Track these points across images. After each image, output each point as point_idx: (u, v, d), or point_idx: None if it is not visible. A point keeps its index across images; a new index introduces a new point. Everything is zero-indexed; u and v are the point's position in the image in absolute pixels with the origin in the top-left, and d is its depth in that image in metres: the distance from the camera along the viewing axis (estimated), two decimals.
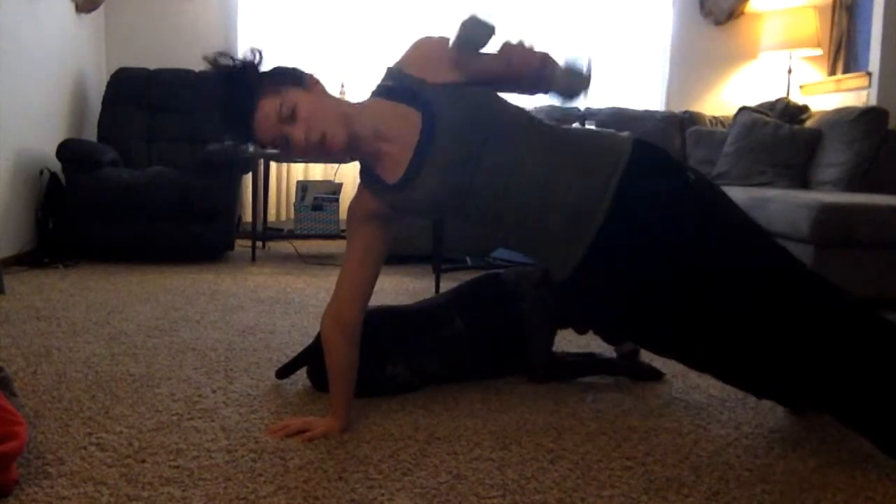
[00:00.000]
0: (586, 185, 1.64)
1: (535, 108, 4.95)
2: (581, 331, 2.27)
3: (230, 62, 1.74)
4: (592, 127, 3.12)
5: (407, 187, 1.68)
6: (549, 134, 1.74)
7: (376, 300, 1.97)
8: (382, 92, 1.73)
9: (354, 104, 1.77)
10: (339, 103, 1.73)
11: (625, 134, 1.76)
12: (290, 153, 1.69)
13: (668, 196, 1.65)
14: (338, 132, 1.64)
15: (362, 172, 1.79)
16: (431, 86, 1.67)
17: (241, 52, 1.79)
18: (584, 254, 1.66)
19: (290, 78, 1.72)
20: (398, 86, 1.71)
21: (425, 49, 1.71)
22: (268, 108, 1.67)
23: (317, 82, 1.72)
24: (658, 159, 1.72)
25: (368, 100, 1.75)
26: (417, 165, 1.66)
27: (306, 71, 1.75)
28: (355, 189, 1.83)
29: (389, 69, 1.75)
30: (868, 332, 1.58)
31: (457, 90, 1.67)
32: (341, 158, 1.77)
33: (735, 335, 1.62)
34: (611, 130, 1.73)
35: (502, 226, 1.74)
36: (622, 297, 1.71)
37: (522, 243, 1.79)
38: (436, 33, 1.73)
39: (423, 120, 1.66)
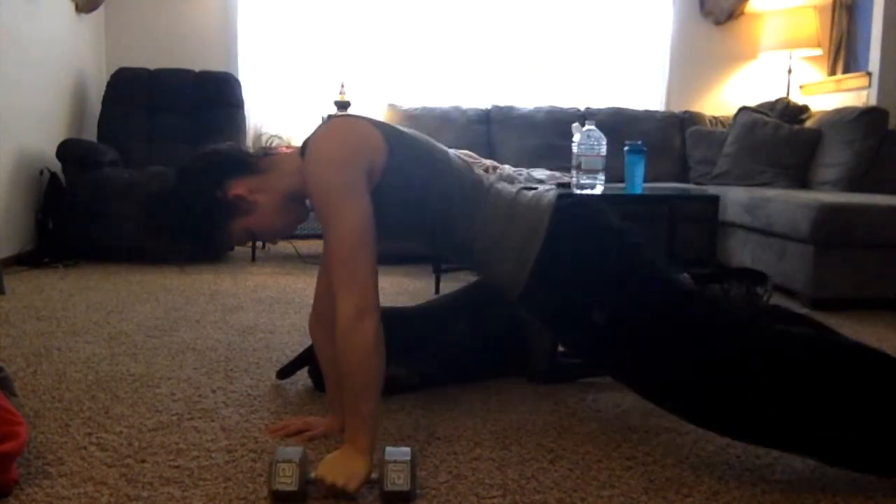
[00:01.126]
0: (514, 250, 1.66)
1: (535, 107, 4.96)
2: None
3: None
4: (592, 127, 3.11)
5: None
6: (477, 201, 1.71)
7: None
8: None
9: (286, 174, 1.66)
10: (275, 189, 1.65)
11: (549, 196, 1.73)
12: None
13: (586, 257, 1.66)
14: (299, 217, 1.70)
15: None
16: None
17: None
18: (524, 287, 1.66)
19: (224, 217, 1.63)
20: None
21: (311, 171, 1.59)
22: (226, 241, 1.70)
23: (242, 195, 1.61)
24: (577, 221, 1.71)
25: (294, 157, 1.67)
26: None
27: (223, 186, 1.62)
28: None
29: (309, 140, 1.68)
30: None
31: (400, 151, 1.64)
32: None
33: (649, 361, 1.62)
34: (536, 194, 1.72)
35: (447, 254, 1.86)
36: (560, 324, 1.76)
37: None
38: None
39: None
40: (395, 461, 1.41)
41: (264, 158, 1.68)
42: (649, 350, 1.59)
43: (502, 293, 1.78)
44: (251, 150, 1.74)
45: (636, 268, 1.67)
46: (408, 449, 1.45)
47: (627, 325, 1.61)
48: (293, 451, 1.43)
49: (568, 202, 1.71)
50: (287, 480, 1.38)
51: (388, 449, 1.45)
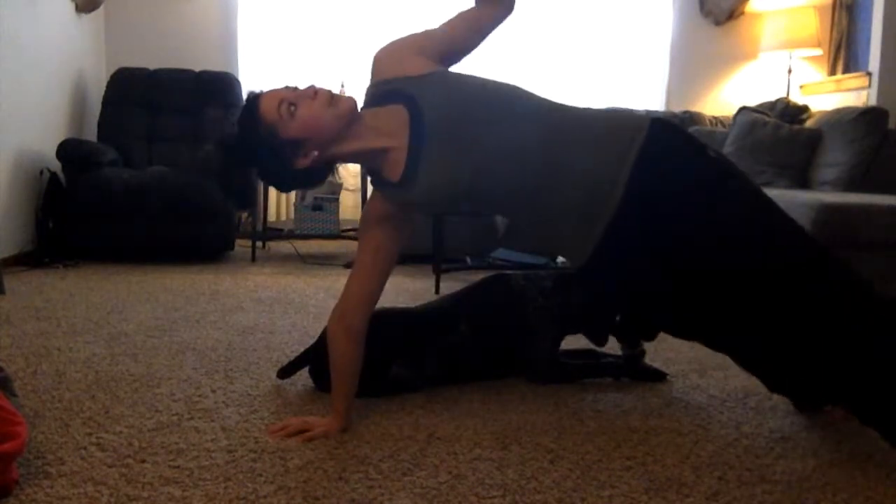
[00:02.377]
0: (602, 164, 1.64)
1: None
2: (597, 342, 2.24)
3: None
4: None
5: (409, 184, 1.68)
6: (561, 112, 1.75)
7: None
8: (367, 104, 1.77)
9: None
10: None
11: (642, 111, 1.76)
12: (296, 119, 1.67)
13: (684, 177, 1.64)
14: (342, 98, 1.69)
15: (371, 176, 1.80)
16: (412, 79, 1.70)
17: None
18: (603, 233, 1.64)
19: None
20: (379, 92, 1.74)
21: (387, 53, 1.75)
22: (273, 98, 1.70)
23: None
24: (676, 139, 1.72)
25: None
26: (414, 161, 1.67)
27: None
28: (355, 189, 1.84)
29: (367, 88, 1.78)
30: (885, 321, 1.57)
31: (438, 78, 1.70)
32: (327, 176, 1.78)
33: (750, 324, 1.62)
34: (627, 108, 1.72)
35: (516, 210, 1.77)
36: (640, 279, 1.71)
37: (537, 230, 1.80)
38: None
39: (409, 115, 1.68)
40: None
41: None
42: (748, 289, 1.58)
43: (510, 286, 1.80)
44: None
45: (733, 197, 1.67)
46: None
47: (716, 262, 1.60)
48: None
49: (663, 118, 1.74)
50: None
51: None
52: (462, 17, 1.75)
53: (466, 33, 1.74)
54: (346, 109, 1.67)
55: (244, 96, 5.12)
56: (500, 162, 1.67)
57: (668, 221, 1.63)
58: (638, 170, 1.61)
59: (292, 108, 1.64)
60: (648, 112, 4.95)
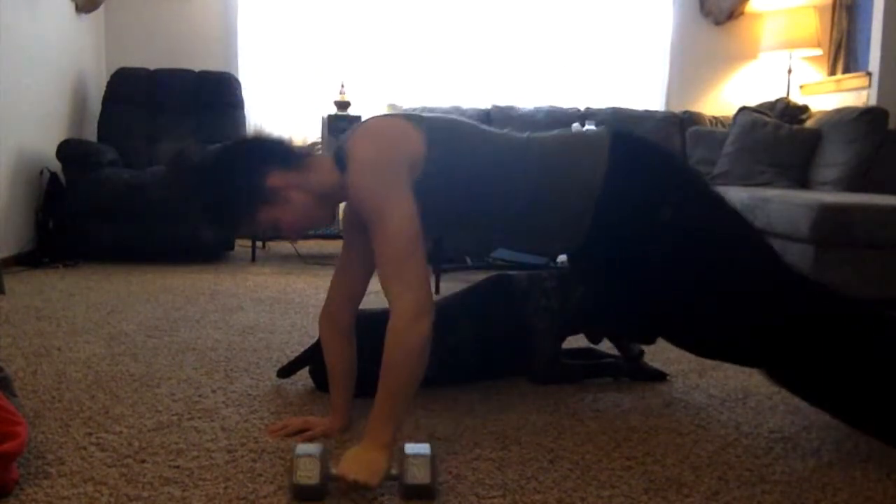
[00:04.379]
0: (572, 195, 1.67)
1: (535, 107, 4.96)
2: (594, 340, 2.25)
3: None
4: (592, 126, 3.12)
5: None
6: (523, 158, 1.71)
7: (377, 302, 1.97)
8: (342, 168, 1.66)
9: (324, 175, 1.66)
10: (310, 188, 1.65)
11: (601, 132, 1.75)
12: None
13: (649, 194, 1.67)
14: (323, 219, 1.69)
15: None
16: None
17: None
18: (580, 247, 1.70)
19: (257, 198, 1.62)
20: None
21: (353, 177, 1.58)
22: (249, 226, 1.69)
23: (279, 186, 1.62)
24: (641, 150, 1.73)
25: (331, 164, 1.67)
26: None
27: (264, 172, 1.62)
28: None
29: (345, 144, 1.64)
30: (867, 341, 1.58)
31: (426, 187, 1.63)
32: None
33: (727, 342, 1.67)
34: (587, 130, 1.73)
35: (494, 236, 1.85)
36: (618, 278, 1.75)
37: (519, 244, 1.86)
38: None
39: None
40: (415, 455, 1.42)
41: (305, 157, 1.68)
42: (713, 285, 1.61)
43: (511, 287, 1.79)
44: (297, 146, 1.74)
45: (706, 189, 1.71)
46: (427, 444, 1.46)
47: (695, 251, 1.63)
48: (314, 446, 1.45)
49: (624, 131, 1.74)
50: (308, 475, 1.39)
51: (407, 444, 1.45)
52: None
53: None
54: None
55: (244, 96, 5.11)
56: (476, 215, 1.72)
57: (635, 258, 1.66)
58: (603, 198, 1.64)
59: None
60: (649, 116, 4.97)
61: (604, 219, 1.64)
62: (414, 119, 1.65)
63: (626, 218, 1.65)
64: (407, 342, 1.48)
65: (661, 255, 1.64)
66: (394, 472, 1.44)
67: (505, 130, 1.77)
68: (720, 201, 1.70)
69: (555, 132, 1.79)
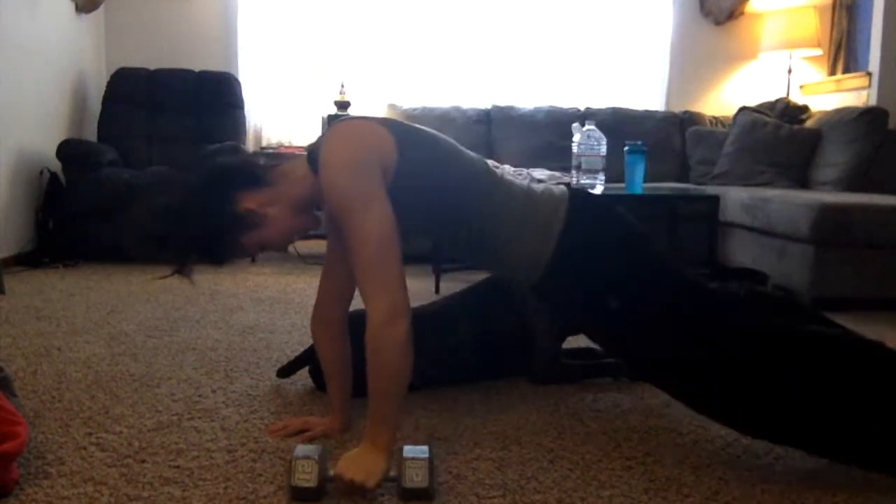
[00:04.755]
0: (529, 246, 1.67)
1: (535, 107, 4.96)
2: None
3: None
4: (592, 127, 3.13)
5: None
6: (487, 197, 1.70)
7: None
8: (314, 168, 1.64)
9: (297, 182, 1.65)
10: (285, 199, 1.64)
11: (560, 190, 1.74)
12: None
13: (604, 245, 1.68)
14: (307, 225, 1.69)
15: None
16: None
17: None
18: (542, 276, 1.67)
19: (235, 231, 1.61)
20: None
21: (325, 176, 1.56)
22: (238, 253, 1.70)
23: (253, 208, 1.60)
24: (596, 210, 1.74)
25: (304, 167, 1.65)
26: None
27: (234, 199, 1.60)
28: None
29: (320, 145, 1.63)
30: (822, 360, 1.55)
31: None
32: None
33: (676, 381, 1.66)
34: (548, 188, 1.73)
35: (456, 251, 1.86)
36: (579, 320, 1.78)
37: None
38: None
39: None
40: (413, 458, 1.42)
41: (273, 169, 1.66)
42: (664, 340, 1.60)
43: (510, 287, 1.77)
44: (259, 159, 1.72)
45: (650, 257, 1.69)
46: (426, 447, 1.46)
47: (641, 314, 1.62)
48: (312, 448, 1.45)
49: (582, 193, 1.74)
50: (306, 477, 1.39)
51: (406, 447, 1.46)
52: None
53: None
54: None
55: (244, 96, 5.11)
56: (444, 239, 1.75)
57: (591, 287, 1.66)
58: (559, 251, 1.64)
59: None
60: (649, 116, 4.97)
61: (559, 274, 1.65)
62: (386, 123, 1.62)
63: (577, 289, 1.67)
64: (385, 345, 1.48)
65: (617, 319, 1.65)
66: (392, 474, 1.44)
67: (479, 158, 1.75)
68: (664, 266, 1.69)
69: (525, 182, 1.78)
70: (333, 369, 1.80)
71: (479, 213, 1.66)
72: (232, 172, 1.64)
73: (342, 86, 4.86)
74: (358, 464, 1.44)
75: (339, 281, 1.82)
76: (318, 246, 4.92)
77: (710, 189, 4.23)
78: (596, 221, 1.70)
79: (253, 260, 4.37)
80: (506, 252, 1.69)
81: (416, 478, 1.41)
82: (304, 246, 4.89)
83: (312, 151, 1.62)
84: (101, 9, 4.99)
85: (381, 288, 1.49)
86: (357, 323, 1.85)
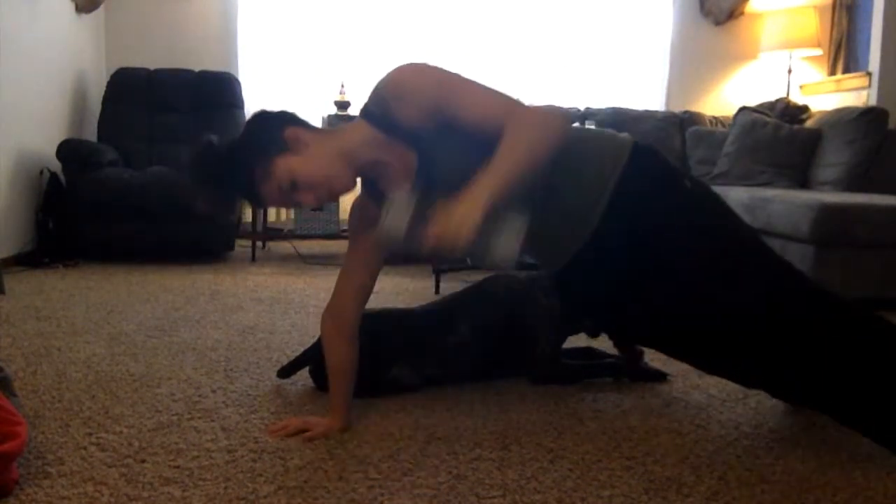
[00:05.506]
0: (582, 191, 1.65)
1: None
2: (593, 335, 2.25)
3: (211, 162, 1.70)
4: (592, 126, 3.13)
5: None
6: None
7: (376, 301, 1.97)
8: (373, 119, 1.68)
9: (348, 134, 1.71)
10: (331, 144, 1.67)
11: (625, 135, 1.76)
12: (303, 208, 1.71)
13: (661, 205, 1.66)
14: (343, 179, 1.66)
15: (364, 183, 1.79)
16: (421, 129, 1.63)
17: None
18: (577, 251, 1.66)
19: (272, 149, 1.64)
20: (389, 123, 1.65)
21: (409, 88, 1.64)
22: (267, 188, 1.65)
23: (297, 137, 1.64)
24: (656, 166, 1.73)
25: (359, 123, 1.70)
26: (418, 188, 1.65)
27: (281, 126, 1.67)
28: (355, 190, 1.83)
29: (376, 93, 1.68)
30: (864, 337, 1.58)
31: (447, 136, 1.62)
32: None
33: (728, 346, 1.64)
34: (611, 132, 1.71)
35: None
36: (611, 296, 1.73)
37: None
38: (419, 60, 1.72)
39: (419, 162, 1.65)
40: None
41: (326, 128, 1.72)
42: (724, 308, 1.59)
43: (511, 286, 1.76)
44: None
45: (717, 210, 1.70)
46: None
47: (705, 274, 1.60)
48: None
49: (645, 143, 1.74)
50: (398, 224, 1.37)
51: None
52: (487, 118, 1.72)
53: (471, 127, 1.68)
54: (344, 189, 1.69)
55: (244, 96, 5.12)
56: None
57: (642, 253, 1.64)
58: (614, 202, 1.63)
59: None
60: (649, 116, 4.96)
61: (622, 195, 1.62)
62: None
63: (646, 190, 1.65)
64: (542, 122, 1.50)
65: (680, 226, 1.63)
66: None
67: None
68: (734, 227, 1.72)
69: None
70: (339, 370, 1.80)
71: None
72: (286, 112, 1.73)
73: (342, 86, 4.86)
74: (450, 217, 1.36)
75: (359, 282, 1.81)
76: (319, 246, 4.93)
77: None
78: (658, 171, 1.70)
79: (253, 259, 4.37)
80: (562, 191, 1.64)
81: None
82: (304, 246, 4.90)
83: (366, 106, 1.67)
84: (101, 9, 5.00)
85: (525, 113, 1.51)
86: (361, 324, 1.85)
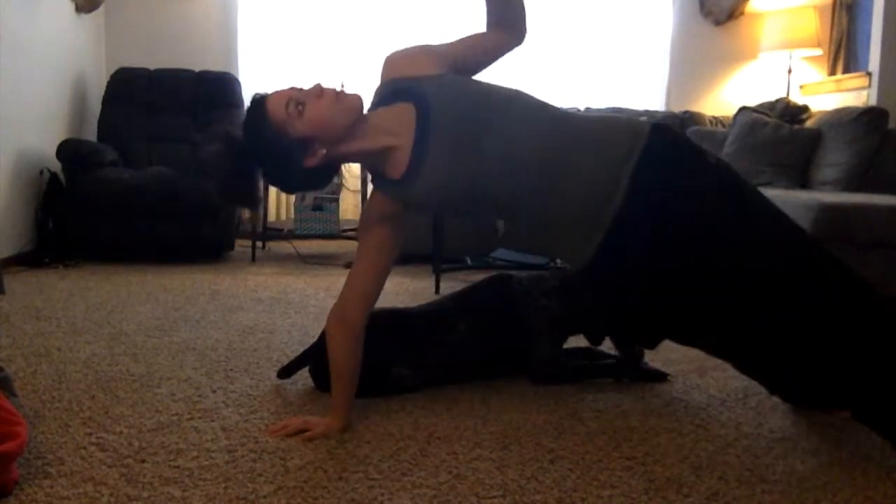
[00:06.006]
0: (602, 171, 1.63)
1: None
2: (594, 341, 2.24)
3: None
4: None
5: (410, 182, 1.69)
6: (563, 116, 1.74)
7: (379, 302, 1.97)
8: (374, 104, 1.79)
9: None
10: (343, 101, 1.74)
11: (643, 117, 1.78)
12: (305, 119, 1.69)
13: (684, 180, 1.65)
14: (344, 121, 1.68)
15: (373, 175, 1.82)
16: (424, 78, 1.72)
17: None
18: (603, 237, 1.63)
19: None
20: (388, 91, 1.77)
21: (403, 55, 1.79)
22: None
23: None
24: (676, 146, 1.73)
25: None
26: (417, 160, 1.68)
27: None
28: (355, 190, 1.84)
29: (377, 88, 1.81)
30: (887, 321, 1.56)
31: (449, 80, 1.72)
32: (335, 176, 1.80)
33: (752, 324, 1.60)
34: (628, 115, 1.73)
35: (516, 213, 1.74)
36: (641, 282, 1.69)
37: (537, 233, 1.77)
38: (400, 46, 1.83)
39: (417, 113, 1.69)
40: None
41: None
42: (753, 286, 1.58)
43: (511, 286, 1.77)
44: None
45: (744, 190, 1.71)
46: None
47: (734, 251, 1.60)
48: None
49: (663, 124, 1.76)
50: None
51: None
52: (475, 37, 1.81)
53: (478, 53, 1.80)
54: (353, 106, 1.69)
55: (244, 96, 5.16)
56: (500, 165, 1.66)
57: (667, 229, 1.62)
58: (638, 177, 1.61)
59: (300, 107, 1.66)
60: (649, 116, 4.96)
61: (645, 171, 1.62)
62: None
63: (669, 165, 1.66)
64: None
65: (708, 196, 1.64)
66: None
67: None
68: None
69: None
70: (342, 369, 1.79)
71: (547, 140, 1.67)
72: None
73: (342, 86, 4.84)
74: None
75: (368, 281, 1.80)
76: (319, 246, 4.93)
77: None
78: (674, 161, 1.69)
79: (254, 259, 4.37)
80: (582, 171, 1.64)
81: None
82: (304, 246, 4.90)
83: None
84: (101, 9, 5.00)
85: None
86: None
